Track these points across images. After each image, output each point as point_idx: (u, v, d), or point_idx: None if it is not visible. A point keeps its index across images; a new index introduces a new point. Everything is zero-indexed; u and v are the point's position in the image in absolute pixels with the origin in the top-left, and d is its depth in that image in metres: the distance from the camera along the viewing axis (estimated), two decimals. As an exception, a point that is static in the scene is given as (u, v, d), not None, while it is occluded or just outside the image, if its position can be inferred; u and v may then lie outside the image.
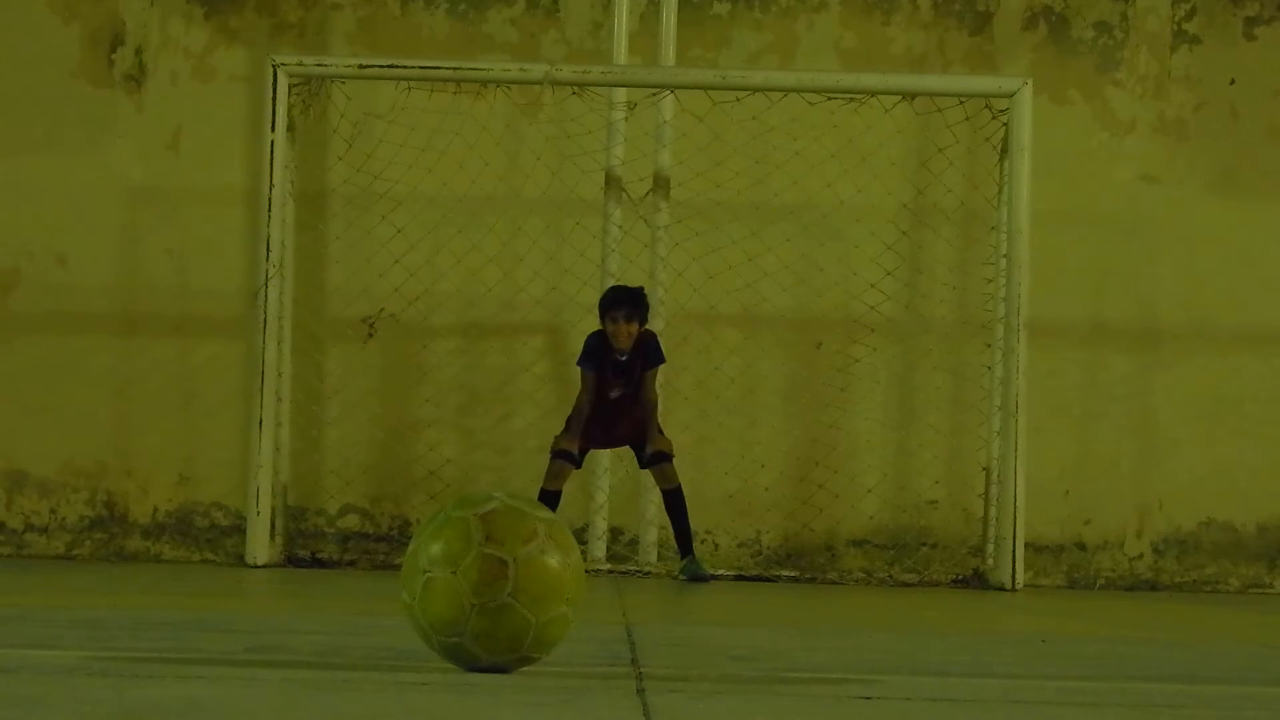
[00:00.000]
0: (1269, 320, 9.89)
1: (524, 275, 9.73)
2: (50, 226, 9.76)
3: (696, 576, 8.80)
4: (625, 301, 8.83)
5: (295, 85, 9.20)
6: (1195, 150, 9.96)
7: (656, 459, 8.86)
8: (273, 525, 9.14)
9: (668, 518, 8.97)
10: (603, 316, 8.85)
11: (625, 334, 8.77)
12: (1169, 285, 9.91)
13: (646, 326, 8.92)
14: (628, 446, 9.03)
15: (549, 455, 8.86)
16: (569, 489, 8.96)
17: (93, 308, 9.75)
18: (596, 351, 8.87)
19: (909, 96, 9.30)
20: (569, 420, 8.92)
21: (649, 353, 8.90)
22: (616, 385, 8.85)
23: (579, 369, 8.91)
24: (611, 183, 9.54)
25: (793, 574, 9.41)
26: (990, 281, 9.36)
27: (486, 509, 3.36)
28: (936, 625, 6.17)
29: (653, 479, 9.05)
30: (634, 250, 9.53)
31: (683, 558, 8.90)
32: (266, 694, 2.91)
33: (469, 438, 9.75)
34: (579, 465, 8.93)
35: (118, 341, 9.75)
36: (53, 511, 9.73)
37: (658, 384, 8.98)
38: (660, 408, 9.01)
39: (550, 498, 8.75)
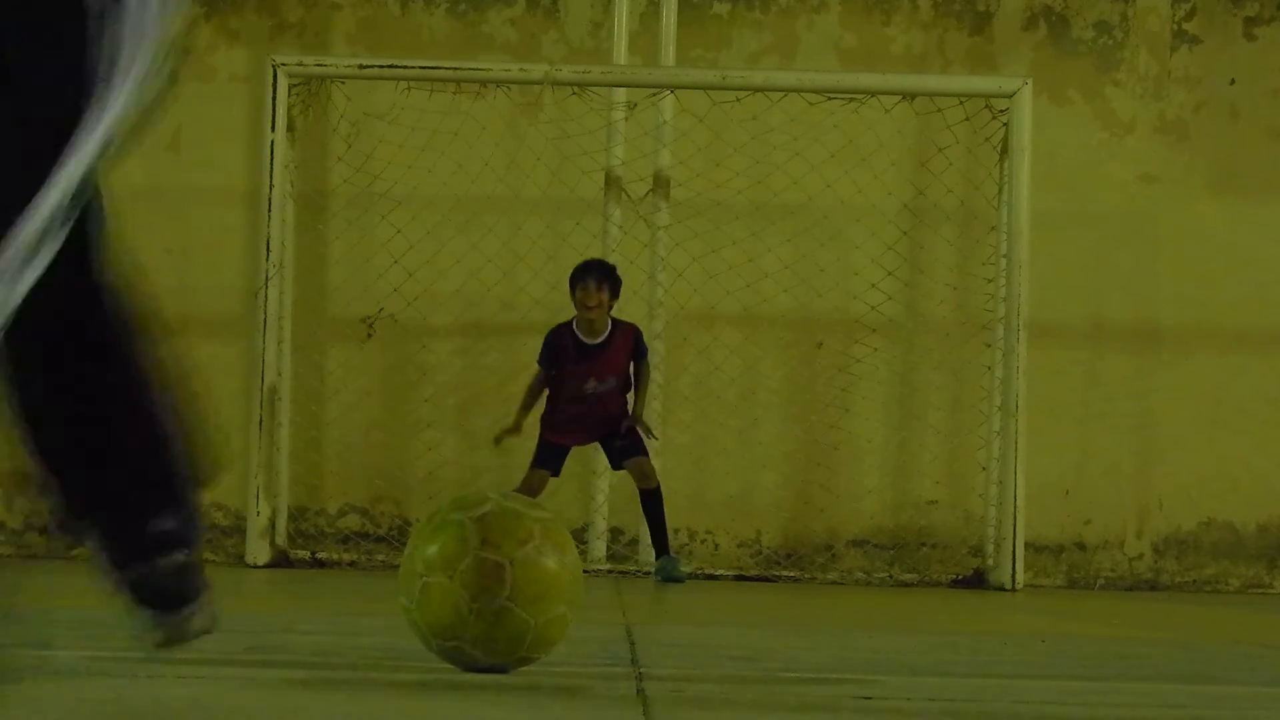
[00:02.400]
0: (1269, 320, 9.88)
1: (524, 275, 9.72)
2: (50, 226, 9.74)
3: (670, 577, 8.55)
4: (594, 268, 8.58)
5: (295, 85, 9.20)
6: (1195, 150, 9.96)
7: (630, 451, 8.55)
8: (273, 525, 9.14)
9: (645, 518, 8.71)
10: (573, 288, 8.55)
11: (596, 301, 8.47)
12: (1169, 285, 9.91)
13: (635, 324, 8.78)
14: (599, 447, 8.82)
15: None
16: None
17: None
18: (554, 345, 8.61)
19: (909, 96, 9.29)
20: (541, 427, 8.70)
21: (638, 346, 8.66)
22: (591, 377, 8.56)
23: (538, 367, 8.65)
24: (611, 183, 9.54)
25: (793, 574, 9.41)
26: (990, 281, 9.36)
27: (481, 511, 3.31)
28: (936, 625, 6.17)
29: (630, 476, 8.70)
30: (634, 250, 9.52)
31: (658, 557, 8.67)
32: (266, 694, 2.91)
33: (469, 438, 9.74)
34: (557, 473, 8.67)
35: (118, 341, 9.74)
36: (53, 512, 9.71)
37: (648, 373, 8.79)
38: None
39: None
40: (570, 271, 8.73)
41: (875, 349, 9.75)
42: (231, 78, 9.81)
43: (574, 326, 8.63)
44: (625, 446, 8.61)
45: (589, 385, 8.58)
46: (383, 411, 9.79)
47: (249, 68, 9.74)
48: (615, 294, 8.62)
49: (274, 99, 9.07)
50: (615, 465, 8.75)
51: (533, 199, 9.73)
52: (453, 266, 9.63)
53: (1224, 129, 9.97)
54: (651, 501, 8.62)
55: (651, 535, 8.75)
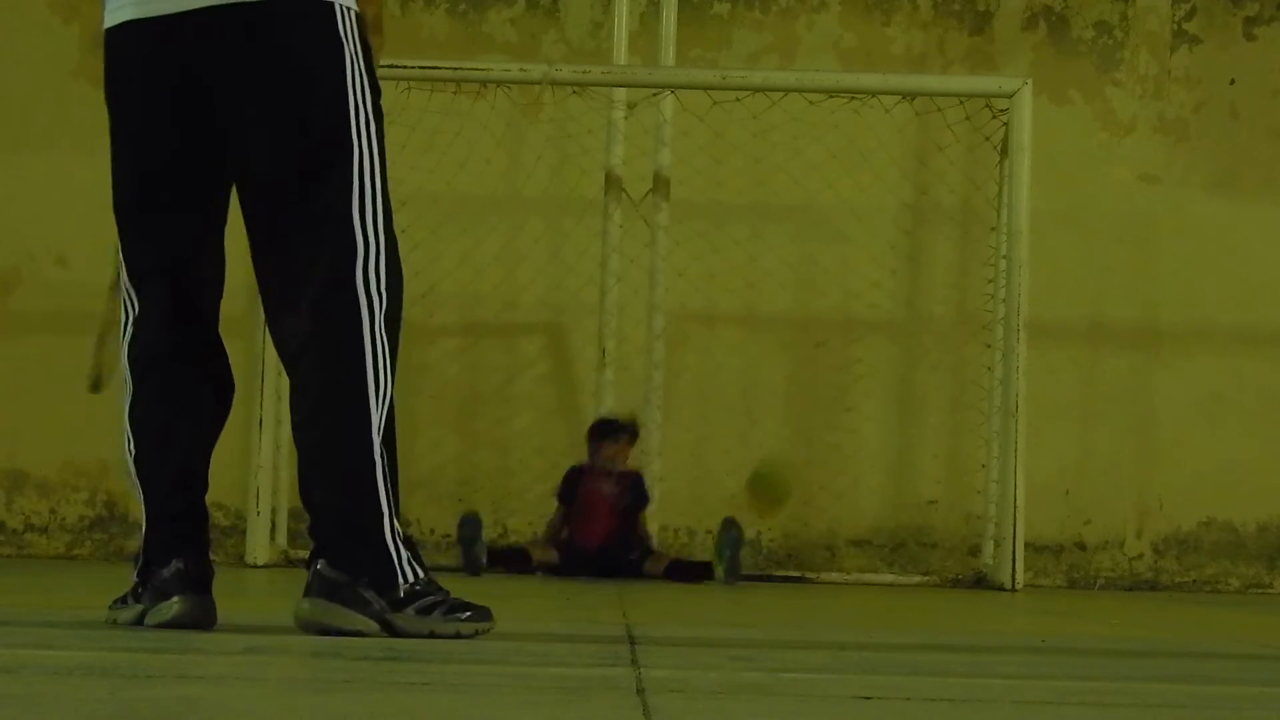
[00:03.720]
0: (1269, 320, 9.89)
1: (525, 275, 9.72)
2: (50, 226, 9.75)
3: (733, 570, 8.53)
4: (620, 429, 8.88)
5: (295, 85, 9.18)
6: (1195, 150, 9.96)
7: (643, 556, 8.75)
8: (273, 525, 9.14)
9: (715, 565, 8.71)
10: (599, 442, 8.89)
11: (621, 455, 8.88)
12: (1169, 285, 9.91)
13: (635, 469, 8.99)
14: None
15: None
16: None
17: (93, 308, 9.69)
18: (572, 480, 8.92)
19: (909, 96, 9.29)
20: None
21: (638, 488, 8.92)
22: (607, 484, 8.85)
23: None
24: (612, 182, 9.54)
25: (793, 574, 9.41)
26: (990, 282, 9.36)
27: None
28: (936, 625, 6.17)
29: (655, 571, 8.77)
30: (634, 249, 9.53)
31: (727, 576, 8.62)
32: (266, 694, 2.91)
33: (469, 438, 9.74)
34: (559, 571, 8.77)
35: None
36: (53, 511, 9.72)
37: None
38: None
39: (517, 554, 8.74)
40: (592, 427, 9.00)
41: (875, 349, 9.75)
42: (232, 78, 9.79)
43: (592, 464, 8.94)
44: (638, 557, 8.77)
45: (605, 488, 8.83)
46: (383, 411, 9.76)
47: (249, 68, 9.72)
48: (635, 437, 8.99)
49: (274, 99, 9.05)
50: (640, 573, 8.73)
51: (534, 199, 9.73)
52: (456, 266, 9.63)
53: (1224, 129, 9.97)
54: (684, 568, 8.70)
55: (727, 569, 8.53)
